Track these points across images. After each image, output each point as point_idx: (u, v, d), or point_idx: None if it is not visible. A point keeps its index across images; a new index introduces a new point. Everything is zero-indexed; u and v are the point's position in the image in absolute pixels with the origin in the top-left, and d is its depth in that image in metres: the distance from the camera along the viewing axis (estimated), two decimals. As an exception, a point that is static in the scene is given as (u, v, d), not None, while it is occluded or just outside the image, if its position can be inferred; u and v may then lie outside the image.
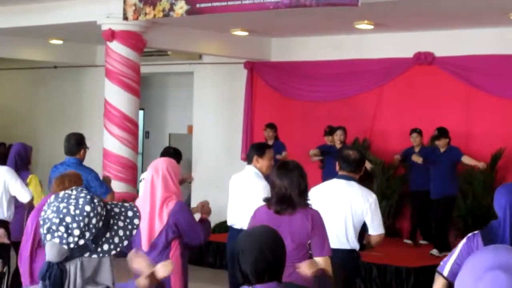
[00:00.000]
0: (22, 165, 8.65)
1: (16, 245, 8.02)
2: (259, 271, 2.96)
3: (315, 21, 12.07)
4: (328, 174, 11.44)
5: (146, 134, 18.04)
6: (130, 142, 12.05)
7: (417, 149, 11.56)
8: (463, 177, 11.91)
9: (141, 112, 13.90)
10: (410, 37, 12.71)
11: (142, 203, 5.47)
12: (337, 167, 6.34)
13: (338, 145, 11.49)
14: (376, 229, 6.20)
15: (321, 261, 5.19)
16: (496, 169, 11.95)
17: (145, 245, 5.46)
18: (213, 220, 13.46)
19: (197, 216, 6.02)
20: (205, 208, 7.15)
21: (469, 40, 12.23)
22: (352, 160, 6.26)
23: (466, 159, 10.91)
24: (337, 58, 13.50)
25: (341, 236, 6.14)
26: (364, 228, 6.28)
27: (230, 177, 7.46)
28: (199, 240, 5.65)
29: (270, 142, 11.90)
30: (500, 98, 11.94)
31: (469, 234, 4.33)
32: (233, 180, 7.28)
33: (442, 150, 10.90)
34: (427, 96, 12.68)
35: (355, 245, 6.20)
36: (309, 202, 5.30)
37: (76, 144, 7.79)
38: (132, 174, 12.17)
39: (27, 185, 8.31)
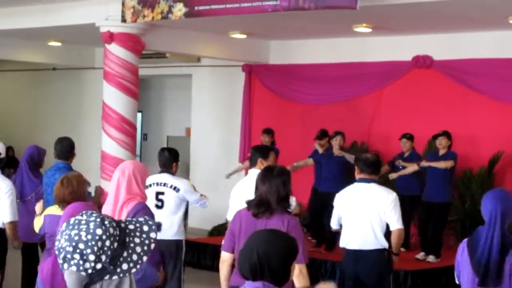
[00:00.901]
0: (34, 168, 8.28)
1: (24, 245, 7.96)
2: (243, 272, 3.08)
3: (314, 24, 12.07)
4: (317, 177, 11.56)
5: (144, 137, 18.02)
6: (128, 144, 12.04)
7: (406, 155, 11.46)
8: (461, 181, 11.91)
9: (139, 115, 13.86)
10: (409, 40, 12.71)
11: (106, 205, 5.44)
12: (356, 171, 6.82)
13: (336, 150, 11.40)
14: (395, 224, 6.65)
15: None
16: (494, 172, 11.95)
17: None
18: (212, 222, 13.61)
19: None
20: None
21: (468, 43, 12.23)
22: (371, 162, 6.78)
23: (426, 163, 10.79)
24: (336, 61, 13.50)
25: (370, 237, 6.64)
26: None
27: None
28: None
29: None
30: (498, 102, 11.93)
31: (462, 242, 4.53)
32: (239, 186, 6.94)
33: (441, 152, 10.79)
34: (426, 100, 12.67)
35: (384, 243, 6.67)
36: (289, 210, 5.30)
37: (69, 148, 7.70)
38: (130, 176, 12.12)
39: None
